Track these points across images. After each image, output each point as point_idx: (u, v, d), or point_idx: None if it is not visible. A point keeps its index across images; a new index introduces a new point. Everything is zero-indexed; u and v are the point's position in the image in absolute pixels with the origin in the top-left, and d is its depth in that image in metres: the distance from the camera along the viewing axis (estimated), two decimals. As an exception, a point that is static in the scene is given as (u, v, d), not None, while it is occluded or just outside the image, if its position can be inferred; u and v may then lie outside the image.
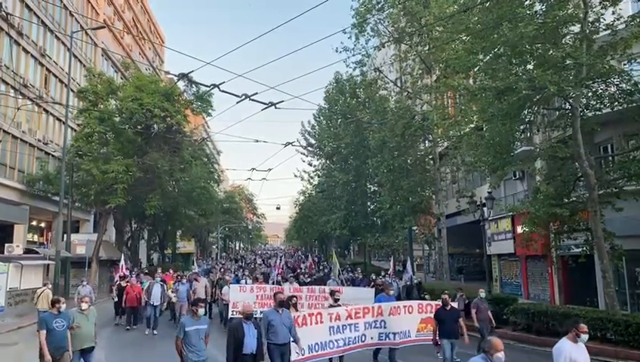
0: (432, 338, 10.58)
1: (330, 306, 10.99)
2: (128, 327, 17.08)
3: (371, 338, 9.91)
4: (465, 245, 33.50)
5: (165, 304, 17.50)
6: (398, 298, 17.13)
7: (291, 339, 8.50)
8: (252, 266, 41.55)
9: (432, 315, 10.60)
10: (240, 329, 7.75)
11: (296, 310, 10.76)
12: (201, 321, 8.07)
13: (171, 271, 24.37)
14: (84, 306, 9.20)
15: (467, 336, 10.75)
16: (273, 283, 19.80)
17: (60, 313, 8.63)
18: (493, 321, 13.26)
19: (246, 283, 18.98)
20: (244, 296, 14.74)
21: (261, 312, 14.99)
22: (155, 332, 16.13)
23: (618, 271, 17.15)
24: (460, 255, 35.19)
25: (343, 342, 9.47)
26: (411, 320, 10.53)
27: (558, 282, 21.55)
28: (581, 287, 20.19)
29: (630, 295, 18.23)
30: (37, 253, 25.62)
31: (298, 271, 32.26)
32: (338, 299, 11.68)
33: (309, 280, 23.28)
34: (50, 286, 17.58)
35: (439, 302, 10.99)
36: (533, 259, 23.79)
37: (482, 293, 13.64)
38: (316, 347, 9.02)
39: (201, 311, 8.27)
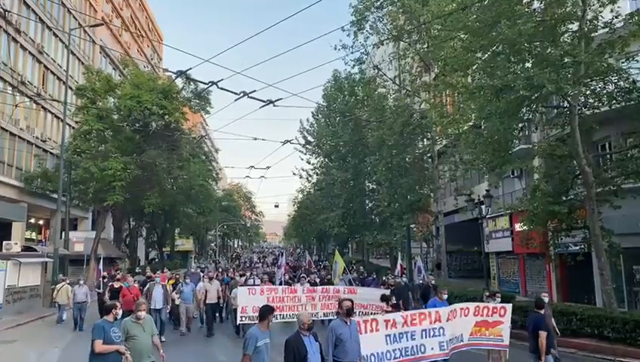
0: (497, 344, 9.66)
1: (385, 312, 10.00)
2: None
3: (432, 348, 8.80)
4: (463, 243, 33.53)
5: (169, 307, 16.19)
6: (408, 299, 16.34)
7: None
8: (248, 265, 41.43)
9: (488, 319, 9.67)
10: (301, 345, 6.57)
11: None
12: (267, 333, 6.92)
13: (165, 271, 22.71)
14: (142, 314, 7.75)
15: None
16: (281, 284, 18.65)
17: (115, 320, 7.38)
18: (557, 330, 11.59)
19: (254, 283, 18.06)
20: (253, 300, 13.42)
21: (273, 317, 14.61)
22: (162, 339, 14.61)
23: (616, 268, 17.18)
24: (457, 253, 35.22)
25: (400, 352, 8.41)
26: (466, 324, 9.63)
27: (556, 280, 21.60)
28: (579, 285, 20.25)
29: (628, 292, 18.28)
30: (35, 250, 25.60)
31: (301, 271, 31.28)
32: (395, 305, 10.39)
33: (318, 280, 21.49)
34: (68, 281, 17.91)
35: (496, 304, 10.06)
36: (531, 257, 23.83)
37: (545, 297, 11.57)
38: (372, 358, 8.01)
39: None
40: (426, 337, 8.78)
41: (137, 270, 25.22)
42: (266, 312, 7.03)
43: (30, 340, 15.25)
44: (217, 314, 17.63)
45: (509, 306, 10.00)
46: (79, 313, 16.75)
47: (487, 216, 22.84)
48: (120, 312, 7.51)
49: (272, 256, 66.32)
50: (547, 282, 22.52)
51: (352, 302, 7.77)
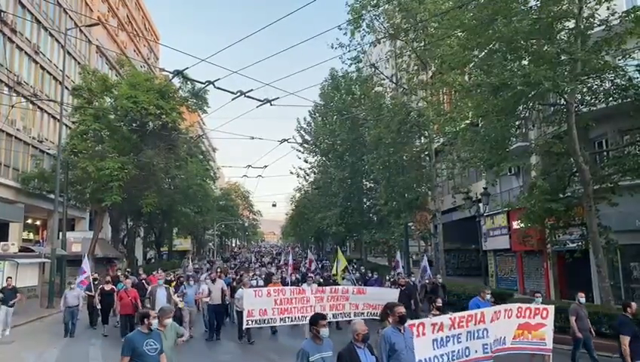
0: (541, 348, 9.39)
1: (433, 316, 9.42)
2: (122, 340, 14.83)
3: (475, 351, 8.39)
4: (461, 241, 33.60)
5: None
6: (411, 299, 15.31)
7: None
8: (246, 266, 41.23)
9: (530, 321, 9.36)
10: (355, 358, 5.85)
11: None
12: (324, 346, 5.97)
13: (159, 272, 20.95)
14: (168, 321, 7.01)
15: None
16: (287, 284, 17.80)
17: (151, 331, 6.59)
18: (592, 331, 11.21)
19: (257, 284, 17.31)
20: (260, 302, 12.74)
21: (281, 320, 12.97)
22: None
23: (613, 265, 17.23)
24: (455, 251, 35.29)
25: (447, 357, 8.00)
26: (508, 326, 9.19)
27: (554, 277, 21.64)
28: (576, 282, 20.27)
29: (625, 289, 18.32)
30: (32, 251, 25.55)
31: (303, 269, 30.45)
32: (441, 307, 9.90)
33: (322, 280, 19.96)
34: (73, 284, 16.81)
35: (538, 306, 9.70)
36: (528, 255, 23.87)
37: (582, 298, 11.42)
38: None
39: (324, 331, 5.98)
40: (470, 339, 8.42)
41: (126, 271, 23.43)
42: (312, 321, 6.11)
43: (28, 341, 15.21)
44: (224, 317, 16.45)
45: (551, 308, 9.68)
46: (71, 318, 15.48)
47: (485, 214, 22.90)
48: (155, 322, 6.67)
49: (269, 255, 65.63)
50: (545, 279, 22.58)
51: (400, 308, 6.85)
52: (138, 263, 40.87)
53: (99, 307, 16.11)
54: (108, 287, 16.23)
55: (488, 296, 10.91)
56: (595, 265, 15.91)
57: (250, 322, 12.65)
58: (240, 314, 13.58)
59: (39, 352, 13.41)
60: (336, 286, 14.97)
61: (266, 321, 12.91)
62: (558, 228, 17.10)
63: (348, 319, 13.94)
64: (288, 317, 12.85)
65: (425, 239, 34.62)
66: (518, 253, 24.91)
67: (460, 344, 8.20)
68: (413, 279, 18.16)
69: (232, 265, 40.45)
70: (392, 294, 14.11)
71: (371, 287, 16.23)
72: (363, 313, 13.85)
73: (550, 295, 21.55)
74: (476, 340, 8.45)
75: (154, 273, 20.69)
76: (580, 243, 17.16)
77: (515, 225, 22.03)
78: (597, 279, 15.84)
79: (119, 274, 21.31)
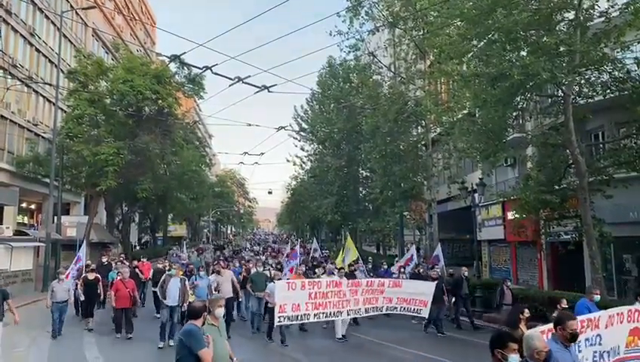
0: None
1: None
2: (118, 336, 13.21)
3: (586, 360, 7.21)
4: (455, 231, 33.71)
5: (186, 306, 12.29)
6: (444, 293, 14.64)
7: None
8: (242, 255, 40.97)
9: (639, 325, 8.25)
10: None
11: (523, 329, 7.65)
12: None
13: (143, 260, 19.67)
14: (219, 312, 6.21)
15: None
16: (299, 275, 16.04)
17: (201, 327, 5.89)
18: None
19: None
20: (293, 296, 11.63)
21: (315, 316, 11.95)
22: (171, 343, 11.76)
23: (606, 257, 17.32)
24: (449, 241, 35.42)
25: None
26: (621, 332, 8.01)
27: (547, 268, 21.79)
28: (569, 273, 20.44)
29: (617, 281, 18.48)
30: (27, 234, 25.52)
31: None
32: (566, 308, 8.57)
33: (335, 272, 18.36)
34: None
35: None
36: (522, 245, 23.99)
37: None
38: None
39: (514, 357, 4.24)
40: (586, 347, 7.32)
41: (121, 256, 22.01)
42: (499, 343, 4.33)
43: (22, 324, 15.16)
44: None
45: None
46: (59, 314, 13.32)
47: (480, 205, 22.95)
48: (219, 311, 6.15)
49: (263, 244, 64.56)
50: (538, 270, 22.74)
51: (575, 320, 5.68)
52: (134, 249, 40.88)
53: (82, 299, 14.49)
54: (92, 276, 14.60)
55: (597, 297, 9.31)
56: (588, 257, 16.00)
57: (281, 319, 11.52)
58: (271, 310, 12.26)
59: (33, 336, 13.43)
60: (372, 279, 14.26)
61: (298, 317, 11.90)
62: (552, 220, 17.16)
63: (379, 313, 13.58)
64: (323, 313, 12.00)
65: (420, 228, 34.71)
66: (512, 244, 25.04)
67: (579, 353, 7.03)
68: (437, 271, 16.86)
69: (231, 251, 40.16)
70: (428, 288, 13.58)
71: (407, 280, 15.32)
72: (396, 308, 13.40)
73: (543, 285, 21.72)
74: (588, 348, 7.37)
75: (142, 259, 19.60)
76: (574, 235, 17.24)
77: (510, 215, 22.12)
78: (590, 270, 15.93)
79: (109, 261, 19.25)
